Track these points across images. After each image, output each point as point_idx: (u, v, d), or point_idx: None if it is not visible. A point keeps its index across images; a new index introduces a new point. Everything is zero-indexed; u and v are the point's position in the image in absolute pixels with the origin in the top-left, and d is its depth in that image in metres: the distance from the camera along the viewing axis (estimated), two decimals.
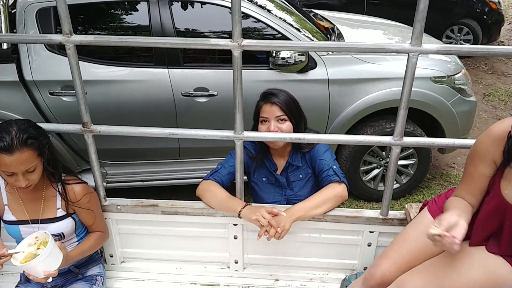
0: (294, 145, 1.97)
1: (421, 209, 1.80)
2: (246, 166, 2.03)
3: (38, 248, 1.61)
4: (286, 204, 2.04)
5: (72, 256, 1.75)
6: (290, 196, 2.04)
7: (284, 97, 1.87)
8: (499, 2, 6.53)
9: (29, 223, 1.74)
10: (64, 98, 2.93)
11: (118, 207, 1.99)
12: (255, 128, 1.96)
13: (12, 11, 3.02)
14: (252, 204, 1.88)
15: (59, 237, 1.78)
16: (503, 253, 1.49)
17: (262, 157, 2.01)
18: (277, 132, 1.85)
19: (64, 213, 1.76)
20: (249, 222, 1.80)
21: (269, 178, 2.05)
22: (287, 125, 1.87)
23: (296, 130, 1.91)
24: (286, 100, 1.87)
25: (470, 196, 1.52)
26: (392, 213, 1.94)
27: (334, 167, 1.90)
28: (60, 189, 1.73)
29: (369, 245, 1.99)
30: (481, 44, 6.52)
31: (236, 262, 2.09)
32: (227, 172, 1.95)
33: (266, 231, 1.73)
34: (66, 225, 1.77)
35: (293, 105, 1.89)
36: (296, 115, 1.90)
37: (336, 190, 1.85)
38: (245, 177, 2.11)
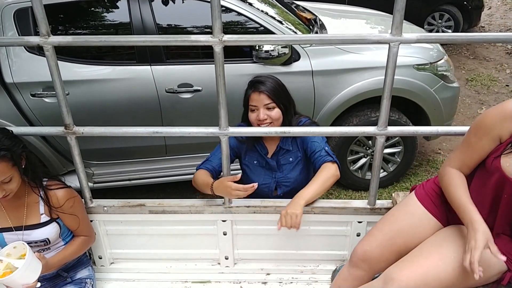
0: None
1: (410, 193, 1.82)
2: (237, 149, 2.07)
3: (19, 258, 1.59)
4: (276, 185, 2.07)
5: (52, 263, 1.73)
6: (280, 178, 2.06)
7: (271, 84, 1.89)
8: None
9: (13, 231, 1.71)
10: (46, 100, 2.89)
11: (105, 208, 1.98)
12: (245, 115, 1.99)
13: None
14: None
15: (45, 242, 1.76)
16: (498, 230, 1.51)
17: (253, 141, 2.04)
18: (267, 119, 1.88)
19: (48, 218, 1.74)
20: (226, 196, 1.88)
21: (260, 161, 2.07)
22: (276, 111, 1.90)
23: (285, 114, 1.94)
24: (273, 87, 1.89)
25: (467, 167, 1.53)
26: (380, 202, 1.96)
27: (326, 148, 1.94)
28: (42, 195, 1.71)
29: (358, 235, 2.00)
30: (462, 29, 6.58)
31: (226, 258, 2.09)
32: (218, 158, 1.96)
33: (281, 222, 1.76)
34: (51, 231, 1.75)
35: (280, 91, 1.92)
36: (284, 101, 1.92)
37: (331, 170, 1.87)
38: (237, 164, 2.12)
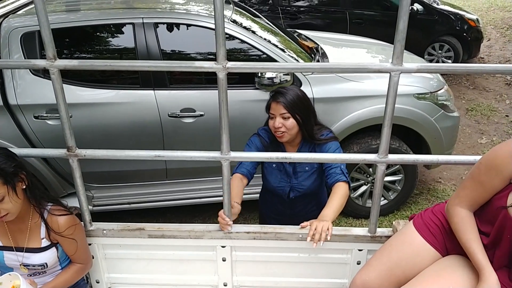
0: (304, 136, 2.09)
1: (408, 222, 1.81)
2: (262, 150, 2.14)
3: None
4: (290, 190, 2.14)
5: None
6: (294, 184, 2.14)
7: (290, 96, 2.00)
8: (477, 19, 6.71)
9: (13, 250, 1.70)
10: (49, 122, 2.91)
11: (104, 231, 1.96)
12: (267, 121, 2.11)
13: None
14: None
15: (42, 267, 1.74)
16: (497, 265, 1.49)
17: (275, 146, 2.13)
18: (281, 127, 1.99)
19: (48, 243, 1.73)
20: None
21: (278, 165, 2.17)
22: (291, 121, 2.01)
23: (303, 125, 2.03)
24: (291, 99, 1.99)
25: (477, 205, 1.51)
26: (380, 231, 1.95)
27: (342, 166, 2.04)
28: (44, 218, 1.70)
29: (359, 263, 1.98)
30: (462, 60, 6.67)
31: (225, 285, 2.06)
32: (249, 162, 2.08)
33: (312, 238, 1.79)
34: (50, 256, 1.74)
35: (298, 103, 2.01)
36: (300, 112, 2.01)
37: (345, 190, 1.99)
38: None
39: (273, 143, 2.13)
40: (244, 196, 2.05)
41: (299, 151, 2.12)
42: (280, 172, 2.16)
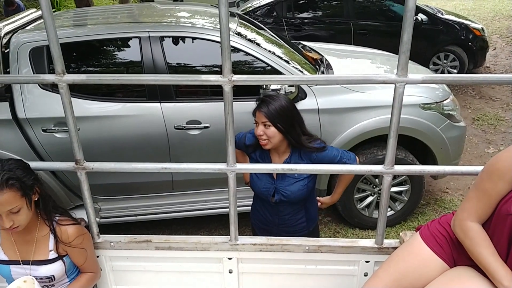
0: (292, 145, 2.08)
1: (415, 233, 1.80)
2: (249, 147, 2.21)
3: None
4: (274, 192, 2.12)
5: None
6: (279, 186, 2.12)
7: (273, 105, 2.00)
8: (482, 29, 6.72)
9: (20, 264, 1.71)
10: (57, 135, 2.94)
11: (112, 243, 1.97)
12: None
13: (6, 51, 3.06)
14: None
15: (50, 279, 1.75)
16: None
17: (262, 151, 2.15)
18: (263, 135, 2.02)
19: (55, 255, 1.74)
20: None
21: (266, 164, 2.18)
22: (272, 130, 2.01)
23: (287, 133, 2.02)
24: (274, 109, 1.99)
25: (485, 216, 1.47)
26: (387, 242, 1.94)
27: (344, 156, 2.12)
28: (53, 230, 1.71)
29: (366, 275, 1.97)
30: (468, 69, 6.67)
31: None
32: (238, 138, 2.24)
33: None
34: (57, 268, 1.74)
35: (281, 113, 2.00)
36: (282, 122, 2.01)
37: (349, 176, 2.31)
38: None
39: (256, 147, 2.16)
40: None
41: (288, 161, 2.10)
42: (265, 174, 2.16)
